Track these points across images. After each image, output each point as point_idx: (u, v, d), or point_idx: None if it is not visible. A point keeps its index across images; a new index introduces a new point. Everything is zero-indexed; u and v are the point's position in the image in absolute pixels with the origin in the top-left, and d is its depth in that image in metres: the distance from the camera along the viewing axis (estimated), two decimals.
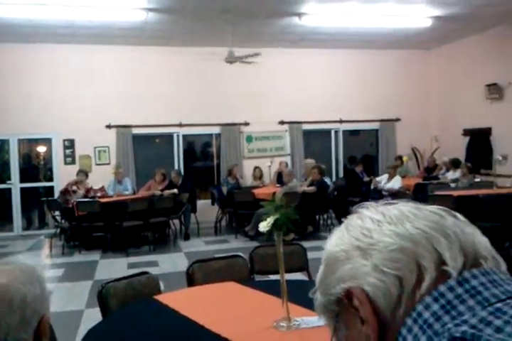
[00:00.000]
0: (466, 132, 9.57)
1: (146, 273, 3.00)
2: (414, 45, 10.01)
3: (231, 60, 7.71)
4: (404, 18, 7.95)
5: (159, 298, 2.66)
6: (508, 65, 8.51)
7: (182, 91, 9.34)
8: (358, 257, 0.55)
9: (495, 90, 8.77)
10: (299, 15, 7.57)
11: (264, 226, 2.23)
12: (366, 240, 0.56)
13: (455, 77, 9.89)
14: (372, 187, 8.60)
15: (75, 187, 7.73)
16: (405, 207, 0.59)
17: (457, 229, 0.55)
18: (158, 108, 9.22)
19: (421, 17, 7.91)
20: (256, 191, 7.92)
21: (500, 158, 7.15)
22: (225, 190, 8.42)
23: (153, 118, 9.17)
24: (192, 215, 8.16)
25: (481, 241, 0.56)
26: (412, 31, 8.76)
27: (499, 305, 0.47)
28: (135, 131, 9.26)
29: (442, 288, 0.50)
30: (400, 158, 9.55)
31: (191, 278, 3.10)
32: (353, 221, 0.60)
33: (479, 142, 9.20)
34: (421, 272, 0.52)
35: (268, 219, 2.25)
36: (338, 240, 0.59)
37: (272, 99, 9.66)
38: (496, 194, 6.47)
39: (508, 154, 8.04)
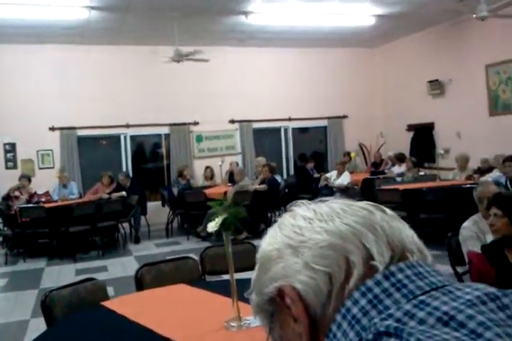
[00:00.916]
0: (410, 127, 9.89)
1: (92, 279, 2.91)
2: (359, 44, 10.23)
3: (178, 58, 7.61)
4: (349, 17, 8.10)
5: (106, 304, 2.58)
6: (448, 61, 8.85)
7: (129, 91, 9.14)
8: (290, 255, 0.55)
9: (436, 86, 9.10)
10: (246, 13, 7.58)
11: (212, 226, 2.20)
12: (298, 238, 0.56)
13: (399, 74, 10.19)
14: (321, 183, 8.73)
15: (17, 193, 7.42)
16: (336, 204, 0.60)
17: (385, 224, 0.56)
18: (104, 109, 8.97)
19: (364, 15, 8.09)
20: (207, 191, 7.87)
21: (442, 151, 7.43)
22: (175, 190, 8.31)
23: (99, 119, 8.92)
24: (142, 218, 8.01)
25: (409, 235, 0.56)
26: (356, 30, 8.95)
27: (423, 297, 0.48)
28: (80, 132, 8.99)
29: (370, 282, 0.51)
30: (348, 154, 9.75)
31: (140, 282, 3.03)
32: (285, 219, 0.60)
33: (423, 137, 9.53)
34: (350, 268, 0.52)
35: (216, 219, 2.23)
36: (271, 239, 0.59)
37: (221, 98, 9.61)
38: (439, 187, 6.71)
39: (449, 148, 8.37)
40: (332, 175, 8.74)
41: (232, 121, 9.93)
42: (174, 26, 7.44)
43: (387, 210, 0.59)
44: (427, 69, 9.29)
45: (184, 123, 9.56)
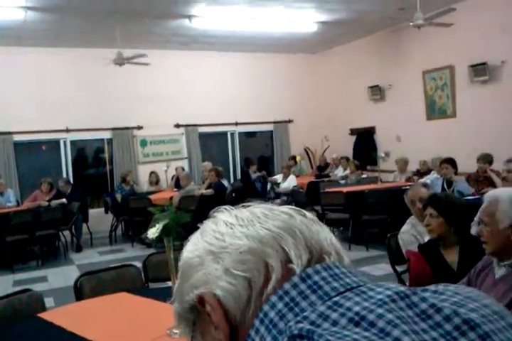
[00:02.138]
0: (353, 131, 10.15)
1: (28, 290, 2.77)
2: (303, 49, 10.41)
3: (120, 61, 7.44)
4: (292, 23, 8.22)
5: (43, 315, 2.47)
6: (387, 67, 9.16)
7: (69, 95, 8.84)
8: (211, 262, 0.55)
9: (377, 92, 9.39)
10: (189, 17, 7.52)
11: (152, 232, 2.15)
12: (218, 244, 0.56)
13: (341, 79, 10.45)
14: (270, 187, 8.80)
15: None
16: (257, 209, 0.60)
17: (304, 228, 0.56)
18: (42, 113, 8.63)
19: (307, 22, 8.23)
20: (152, 197, 7.72)
21: (383, 154, 7.66)
22: (119, 197, 8.12)
23: (38, 123, 8.57)
24: (84, 225, 7.76)
25: (327, 238, 0.57)
26: (299, 36, 9.10)
27: (337, 298, 0.49)
28: (17, 137, 8.60)
29: (287, 285, 0.51)
30: (294, 158, 9.88)
31: (79, 292, 2.93)
32: (207, 225, 0.60)
33: (364, 140, 9.80)
34: (269, 272, 0.52)
35: (157, 225, 2.18)
36: (193, 246, 0.59)
37: (166, 102, 9.49)
38: (381, 188, 6.91)
39: (390, 151, 8.65)
40: (278, 178, 8.83)
41: (178, 126, 9.83)
42: (116, 29, 7.27)
43: (308, 214, 0.60)
44: (368, 75, 9.57)
45: (127, 128, 9.35)
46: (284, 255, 0.53)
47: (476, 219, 2.04)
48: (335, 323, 0.46)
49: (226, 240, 0.55)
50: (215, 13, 7.38)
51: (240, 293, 0.52)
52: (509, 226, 1.89)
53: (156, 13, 7.19)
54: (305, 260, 0.53)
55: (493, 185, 5.40)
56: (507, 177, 3.62)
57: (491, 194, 2.02)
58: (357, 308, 0.47)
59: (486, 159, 6.04)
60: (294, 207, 0.61)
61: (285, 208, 0.60)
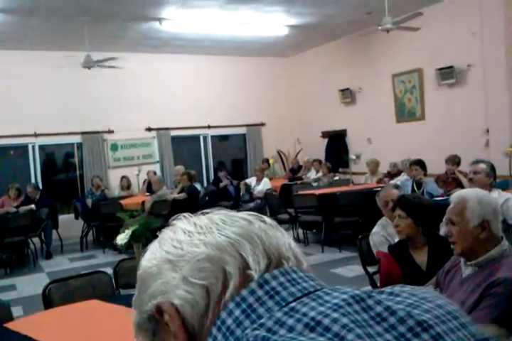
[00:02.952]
0: (325, 134, 10.24)
1: None
2: (274, 53, 10.46)
3: (89, 65, 7.33)
4: (263, 27, 8.25)
5: (10, 325, 2.40)
6: (357, 71, 9.28)
7: (37, 99, 8.66)
8: (168, 270, 0.55)
9: (347, 95, 9.50)
10: (160, 20, 7.47)
11: (121, 238, 2.12)
12: (176, 252, 0.55)
13: (312, 82, 10.53)
14: (243, 190, 8.79)
15: None
16: (216, 216, 0.60)
17: (262, 233, 0.56)
18: (9, 117, 8.42)
19: (278, 26, 8.28)
20: (124, 201, 7.62)
21: (354, 157, 7.74)
22: (89, 202, 7.98)
23: (5, 128, 8.35)
24: (54, 232, 7.59)
25: (286, 243, 0.58)
26: (271, 39, 9.14)
27: (294, 303, 0.49)
28: None
29: (244, 292, 0.51)
30: (267, 161, 9.89)
31: (48, 300, 2.87)
32: (165, 234, 0.60)
33: (336, 143, 9.90)
34: (227, 279, 0.52)
35: (126, 231, 2.15)
36: (151, 255, 0.58)
37: (137, 105, 9.39)
38: (352, 190, 6.98)
39: (360, 153, 8.76)
40: (251, 181, 8.83)
41: (149, 129, 9.73)
42: (85, 31, 7.17)
43: (267, 219, 0.60)
44: (339, 78, 9.68)
45: (98, 132, 9.22)
46: (242, 261, 0.53)
47: (444, 219, 2.08)
48: (291, 329, 0.46)
49: (184, 248, 0.55)
50: (185, 16, 7.35)
51: (197, 301, 0.52)
52: (478, 225, 1.93)
53: (125, 15, 7.12)
54: (263, 266, 0.53)
55: (461, 186, 5.52)
56: (473, 178, 3.70)
57: (458, 194, 2.06)
58: (313, 313, 0.47)
59: (454, 160, 6.18)
60: (253, 212, 0.61)
61: (244, 214, 0.60)
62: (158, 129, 9.77)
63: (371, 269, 3.32)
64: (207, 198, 8.40)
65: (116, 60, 7.28)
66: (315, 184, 8.43)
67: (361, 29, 8.06)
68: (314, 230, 7.48)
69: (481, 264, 1.91)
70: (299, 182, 8.83)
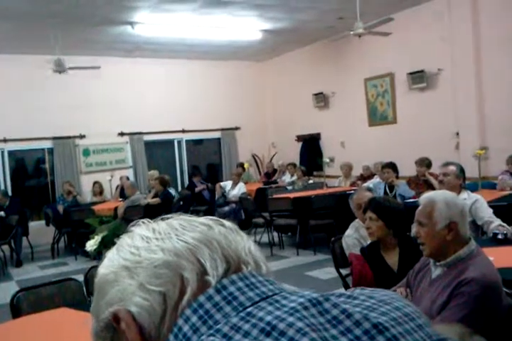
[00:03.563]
0: (299, 138, 10.30)
1: None
2: (249, 57, 10.48)
3: (59, 69, 7.20)
4: (237, 31, 8.26)
5: None
6: (331, 75, 9.37)
7: (5, 103, 8.47)
8: (126, 277, 0.54)
9: (321, 99, 9.59)
10: (132, 24, 7.41)
11: (90, 244, 2.08)
12: (134, 259, 0.55)
13: (287, 87, 10.59)
14: (218, 195, 8.75)
15: None
16: (176, 221, 0.60)
17: (221, 238, 0.57)
18: None
19: (252, 30, 8.30)
20: (96, 207, 7.51)
21: (328, 160, 7.79)
22: (61, 208, 7.84)
23: None
24: (24, 239, 7.42)
25: (245, 247, 0.57)
26: (245, 43, 9.16)
27: (251, 308, 0.49)
28: None
29: (202, 298, 0.51)
30: (242, 165, 9.87)
31: (16, 309, 2.80)
32: (123, 240, 0.59)
33: (310, 147, 9.97)
34: (184, 285, 0.52)
35: (96, 237, 2.11)
36: (109, 262, 0.58)
37: (110, 109, 9.27)
38: (326, 194, 7.02)
39: (334, 157, 8.84)
40: (227, 184, 8.80)
41: (122, 134, 9.62)
42: (55, 35, 7.05)
43: (227, 224, 0.60)
44: (312, 82, 9.76)
45: (69, 137, 9.06)
46: (200, 267, 0.53)
47: (414, 220, 2.10)
48: (246, 334, 0.46)
49: (141, 254, 0.54)
50: (159, 20, 7.30)
51: (154, 308, 0.51)
52: (445, 226, 1.96)
53: (97, 19, 7.03)
54: (221, 271, 0.53)
55: (433, 188, 5.61)
56: (443, 180, 3.77)
57: (426, 197, 2.09)
58: (269, 318, 0.47)
59: (424, 163, 6.29)
60: (214, 217, 0.61)
61: (205, 219, 0.60)
62: (131, 134, 9.67)
63: (344, 271, 3.34)
64: (181, 203, 8.33)
65: (89, 64, 7.18)
66: (290, 187, 8.45)
67: (334, 34, 8.14)
68: (289, 233, 7.49)
69: (450, 264, 1.94)
70: (273, 186, 8.84)
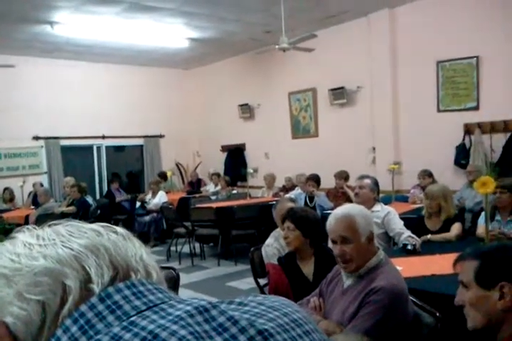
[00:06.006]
0: (224, 148, 10.31)
1: None
2: (174, 64, 10.38)
3: None
4: (163, 37, 8.16)
5: None
6: (256, 87, 9.49)
7: None
8: (3, 286, 0.51)
9: (246, 110, 9.68)
10: (51, 23, 7.09)
11: None
12: (13, 266, 0.52)
13: (213, 96, 10.59)
14: (138, 204, 8.51)
15: None
16: (64, 227, 0.58)
17: (110, 245, 0.55)
18: None
19: (179, 38, 8.23)
20: (6, 215, 7.00)
21: (251, 171, 7.86)
22: None
23: None
24: None
25: (136, 254, 0.56)
26: (172, 51, 9.06)
27: (134, 317, 0.47)
28: None
29: (83, 307, 0.48)
30: (164, 173, 9.68)
31: None
32: (4, 247, 0.56)
33: (235, 157, 10.00)
34: (66, 293, 0.49)
35: None
36: None
37: (24, 112, 8.76)
38: (249, 204, 7.06)
39: (258, 167, 8.94)
40: (147, 195, 8.59)
41: (37, 138, 9.12)
42: None
43: (119, 230, 0.59)
44: (238, 93, 9.84)
45: None
46: (84, 274, 0.51)
47: (332, 239, 2.08)
48: None
49: (21, 262, 0.52)
50: (80, 21, 7.04)
51: (32, 318, 0.49)
52: (366, 238, 2.02)
53: (15, 16, 6.65)
54: (107, 278, 0.51)
55: (350, 200, 5.82)
56: (359, 193, 3.91)
57: (341, 212, 2.07)
58: (151, 327, 0.46)
59: (342, 176, 6.52)
60: (106, 223, 0.59)
61: (96, 225, 0.58)
62: (46, 138, 9.18)
63: (263, 281, 3.35)
64: (99, 211, 8.01)
65: (1, 63, 6.76)
66: (213, 197, 8.41)
67: (261, 47, 8.29)
68: (211, 243, 7.43)
69: (361, 274, 2.00)
70: (197, 195, 8.75)
